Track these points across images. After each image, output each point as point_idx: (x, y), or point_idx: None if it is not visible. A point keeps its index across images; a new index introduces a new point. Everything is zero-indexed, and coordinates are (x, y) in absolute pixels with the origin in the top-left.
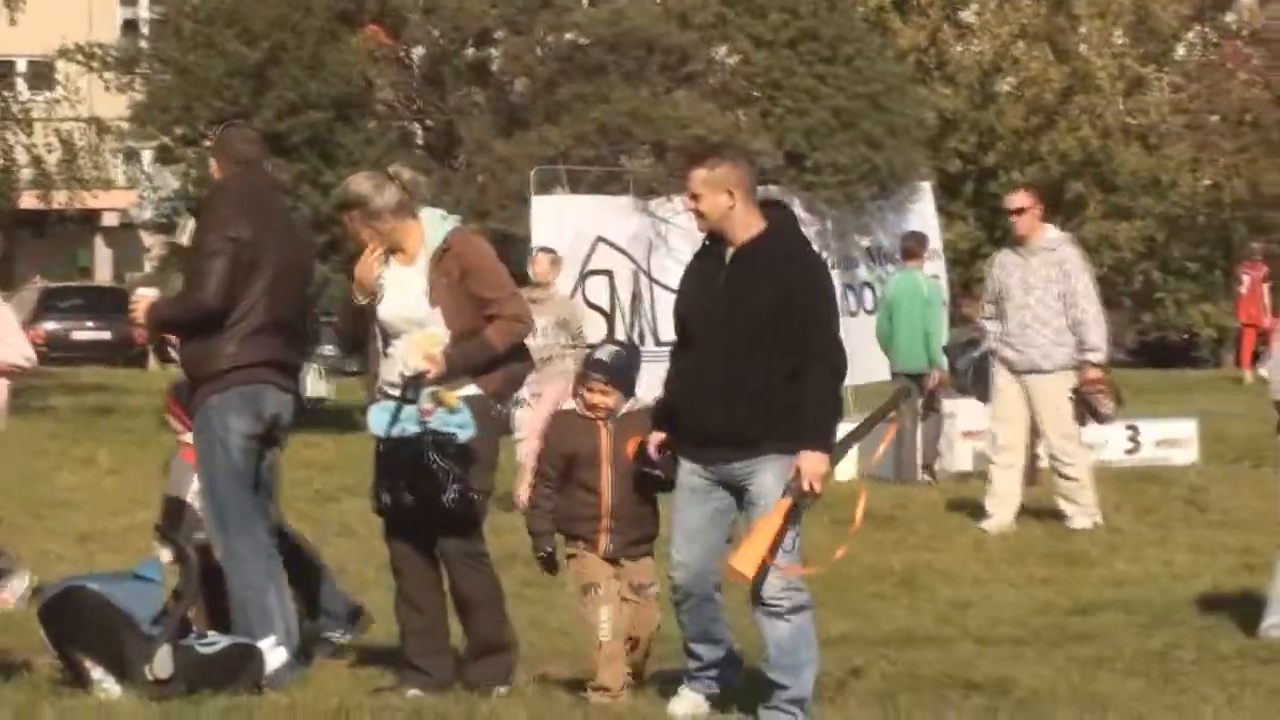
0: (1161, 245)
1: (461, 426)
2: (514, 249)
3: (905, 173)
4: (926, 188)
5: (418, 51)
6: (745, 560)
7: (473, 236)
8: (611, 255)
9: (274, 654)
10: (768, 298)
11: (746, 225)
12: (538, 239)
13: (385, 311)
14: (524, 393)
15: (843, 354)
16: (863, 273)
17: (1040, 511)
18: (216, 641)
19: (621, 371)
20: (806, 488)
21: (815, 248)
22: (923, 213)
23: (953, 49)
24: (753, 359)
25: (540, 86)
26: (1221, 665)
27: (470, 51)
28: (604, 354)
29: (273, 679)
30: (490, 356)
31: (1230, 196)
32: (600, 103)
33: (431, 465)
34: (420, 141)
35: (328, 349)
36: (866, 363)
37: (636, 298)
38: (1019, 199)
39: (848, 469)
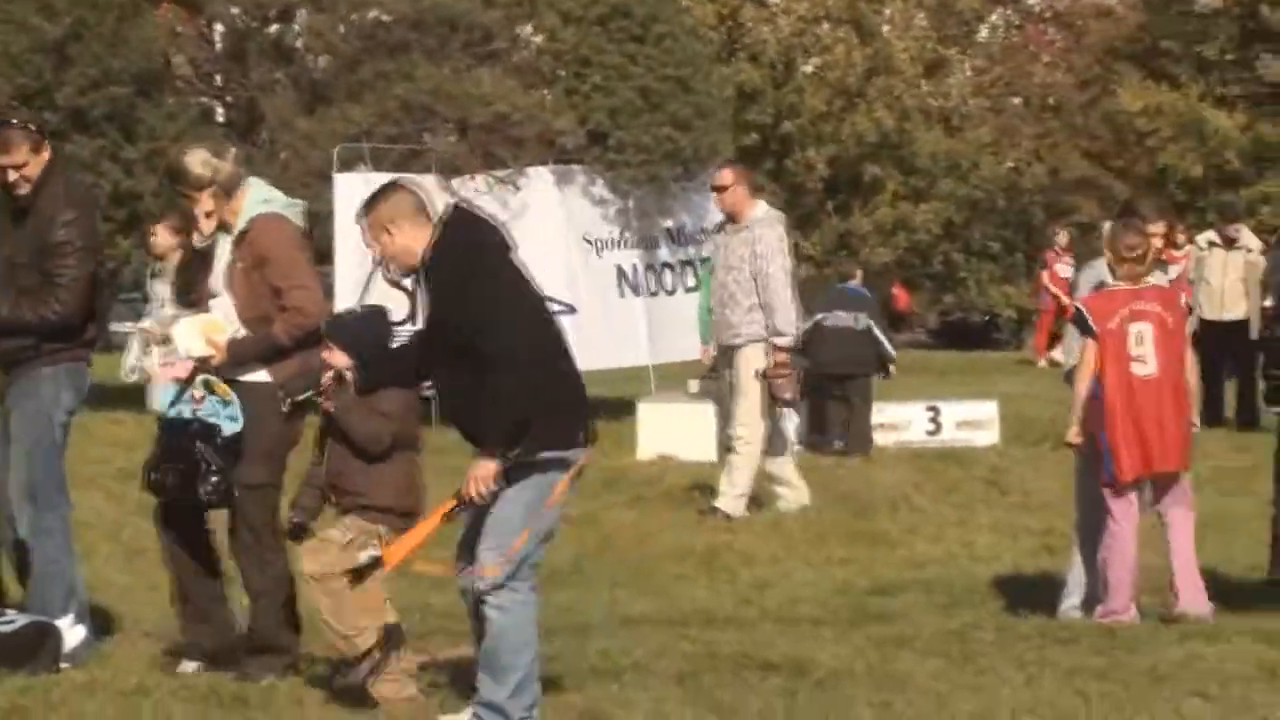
0: (961, 227)
1: (231, 418)
2: (317, 226)
3: (710, 154)
4: None
5: (219, 28)
6: (392, 553)
7: (275, 222)
8: None
9: (72, 632)
10: (437, 312)
11: (413, 249)
12: (341, 216)
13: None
14: None
15: (518, 359)
16: (664, 253)
17: (842, 493)
18: (14, 620)
19: (342, 331)
20: (468, 492)
21: (486, 248)
22: None
23: (755, 29)
24: (449, 369)
25: (343, 64)
26: (1020, 645)
27: (273, 28)
28: (338, 313)
29: (71, 656)
30: (272, 348)
31: (1031, 180)
32: (403, 80)
33: (195, 454)
34: (222, 119)
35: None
36: (675, 342)
37: None
38: (722, 176)
39: (649, 448)
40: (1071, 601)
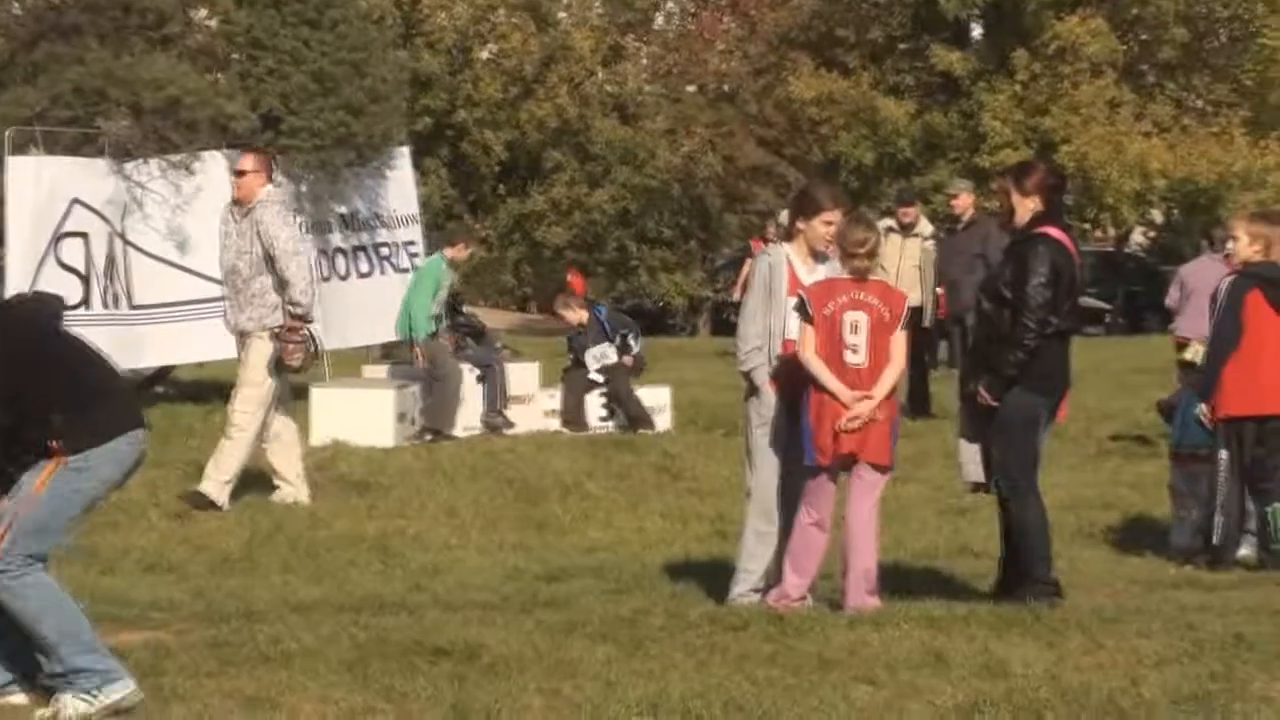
0: (636, 215)
1: None
2: None
3: (383, 140)
4: (404, 153)
5: None
6: None
7: None
8: (87, 217)
9: None
10: None
11: None
12: (13, 200)
13: None
14: None
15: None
16: (337, 239)
17: (514, 479)
18: None
19: None
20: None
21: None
22: (400, 179)
23: (433, 15)
24: None
25: (17, 46)
26: (690, 632)
27: None
28: None
29: None
30: None
31: (706, 168)
32: (76, 64)
33: None
34: None
35: None
36: (349, 328)
37: (111, 261)
38: (244, 161)
39: (322, 434)
40: (740, 589)
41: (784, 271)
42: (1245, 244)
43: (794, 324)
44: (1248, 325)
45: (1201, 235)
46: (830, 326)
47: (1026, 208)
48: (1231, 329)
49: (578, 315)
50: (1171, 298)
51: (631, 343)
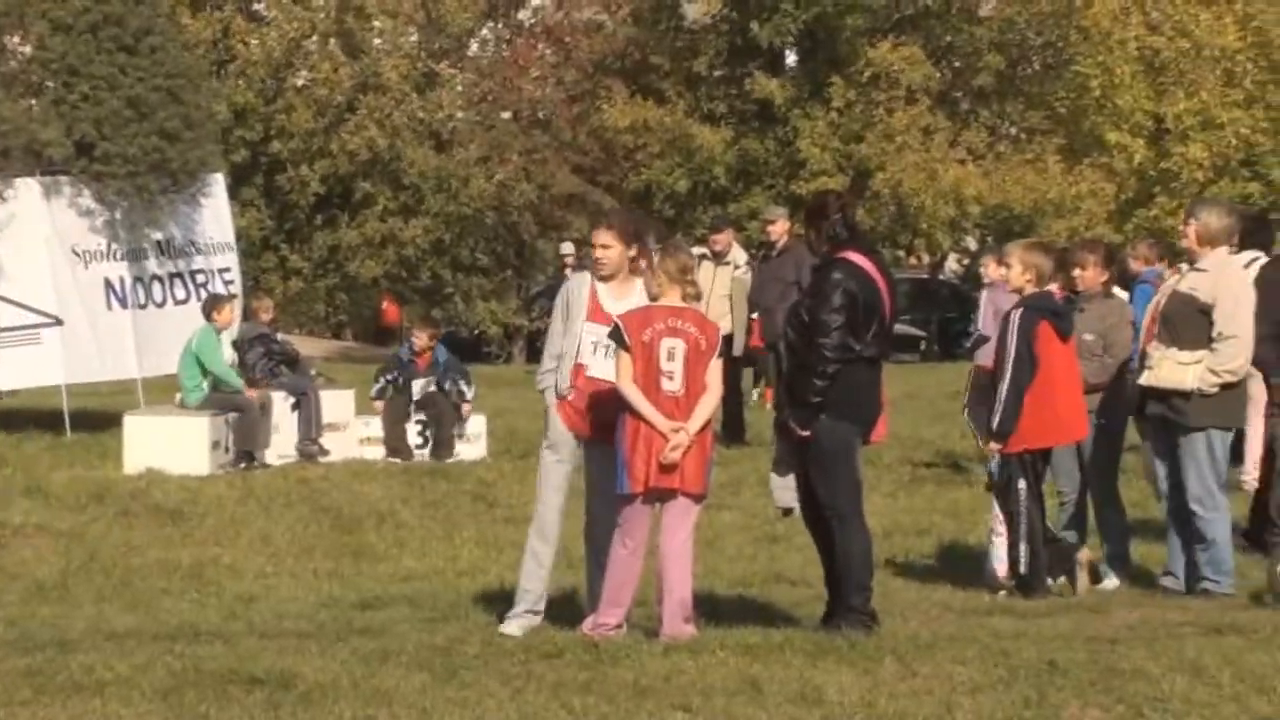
0: (451, 244)
1: None
2: None
3: (198, 166)
4: (219, 179)
5: None
6: None
7: None
8: None
9: None
10: None
11: None
12: None
13: None
14: None
15: None
16: (153, 265)
17: (327, 506)
18: None
19: None
20: None
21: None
22: (216, 206)
23: (245, 43)
24: None
25: None
26: (506, 660)
27: None
28: None
29: None
30: None
31: (520, 196)
32: None
33: None
34: None
35: None
36: (164, 356)
37: None
38: None
39: (136, 462)
40: (516, 609)
41: (583, 298)
42: (1018, 273)
43: (586, 350)
44: (1044, 357)
45: (999, 263)
46: (648, 354)
47: (812, 237)
48: (1029, 361)
49: (423, 344)
50: (987, 323)
51: (465, 389)
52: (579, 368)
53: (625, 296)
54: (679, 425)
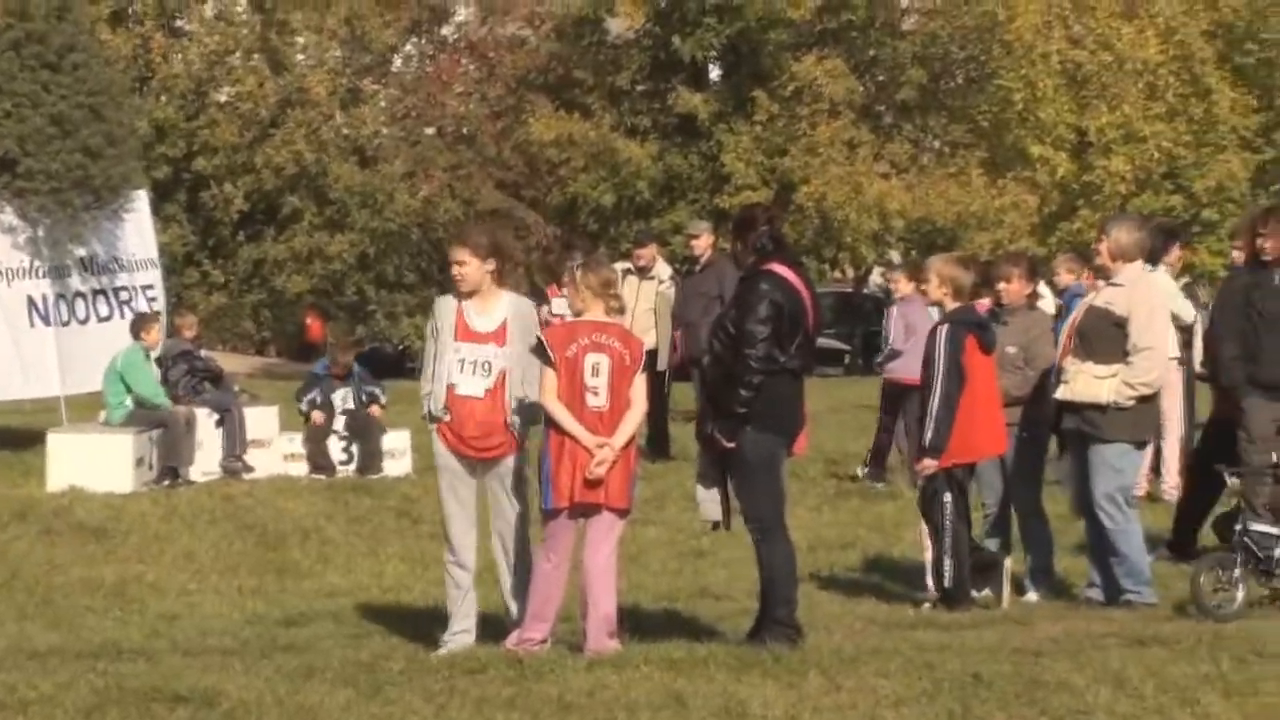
0: (376, 260)
1: None
2: None
3: (121, 182)
4: (142, 195)
5: None
6: None
7: None
8: None
9: None
10: None
11: None
12: None
13: None
14: None
15: None
16: (76, 282)
17: (251, 523)
18: None
19: None
20: None
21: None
22: (139, 222)
23: (167, 60)
24: None
25: None
26: (430, 676)
27: None
28: None
29: None
30: None
31: (445, 212)
32: None
33: None
34: None
35: None
36: (88, 373)
37: None
38: None
39: (59, 480)
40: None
41: (449, 318)
42: (934, 285)
43: (454, 369)
44: (969, 371)
45: (910, 278)
46: (572, 369)
47: (740, 249)
48: (958, 376)
49: (344, 359)
50: (899, 338)
51: (378, 393)
52: (450, 388)
53: (489, 311)
54: (604, 440)
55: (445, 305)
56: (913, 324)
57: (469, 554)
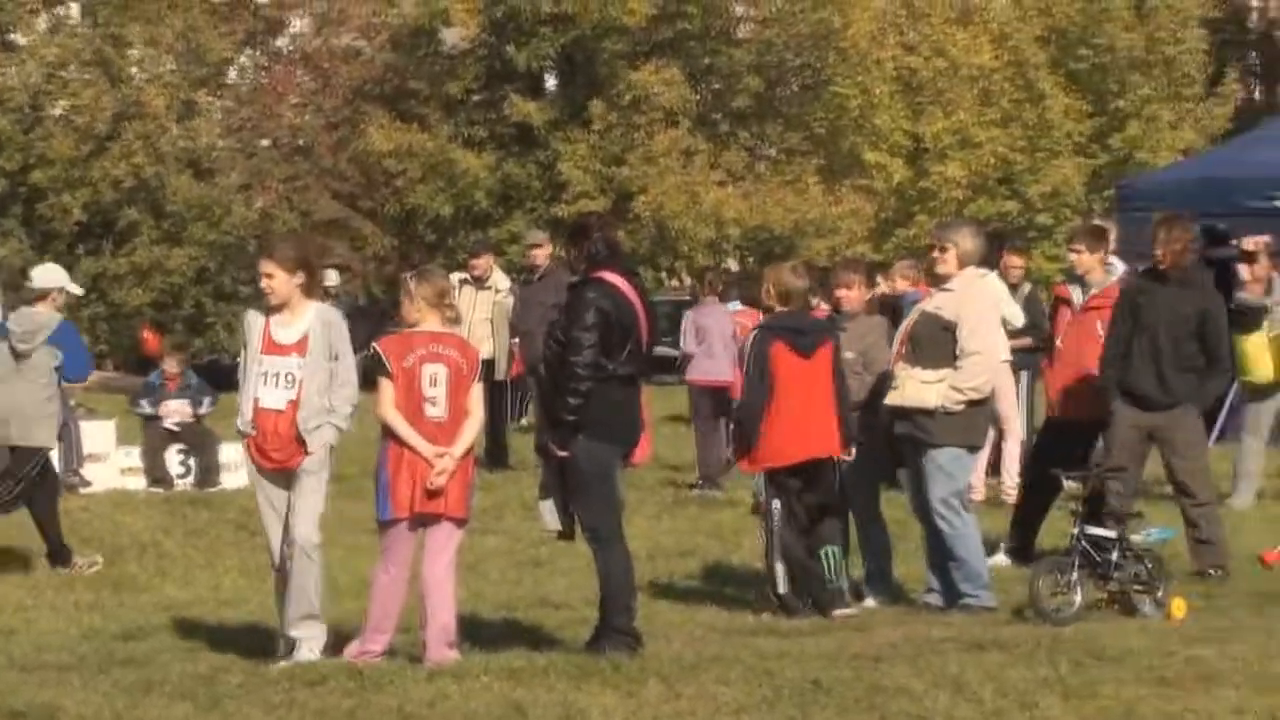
0: (214, 272)
1: None
2: None
3: None
4: None
5: None
6: None
7: None
8: None
9: None
10: None
11: None
12: None
13: None
14: None
15: None
16: None
17: (88, 537)
18: None
19: None
20: None
21: None
22: None
23: (2, 73)
24: None
25: None
26: (269, 688)
27: None
28: None
29: None
30: None
31: (282, 224)
32: None
33: None
34: None
35: None
36: None
37: None
38: None
39: None
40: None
41: (256, 332)
42: (765, 292)
43: (258, 382)
44: (776, 376)
45: (705, 283)
46: (409, 380)
47: (572, 256)
48: (761, 383)
49: (174, 370)
50: (691, 342)
51: (204, 402)
52: (255, 401)
53: (294, 323)
54: (443, 450)
55: (253, 320)
56: (704, 327)
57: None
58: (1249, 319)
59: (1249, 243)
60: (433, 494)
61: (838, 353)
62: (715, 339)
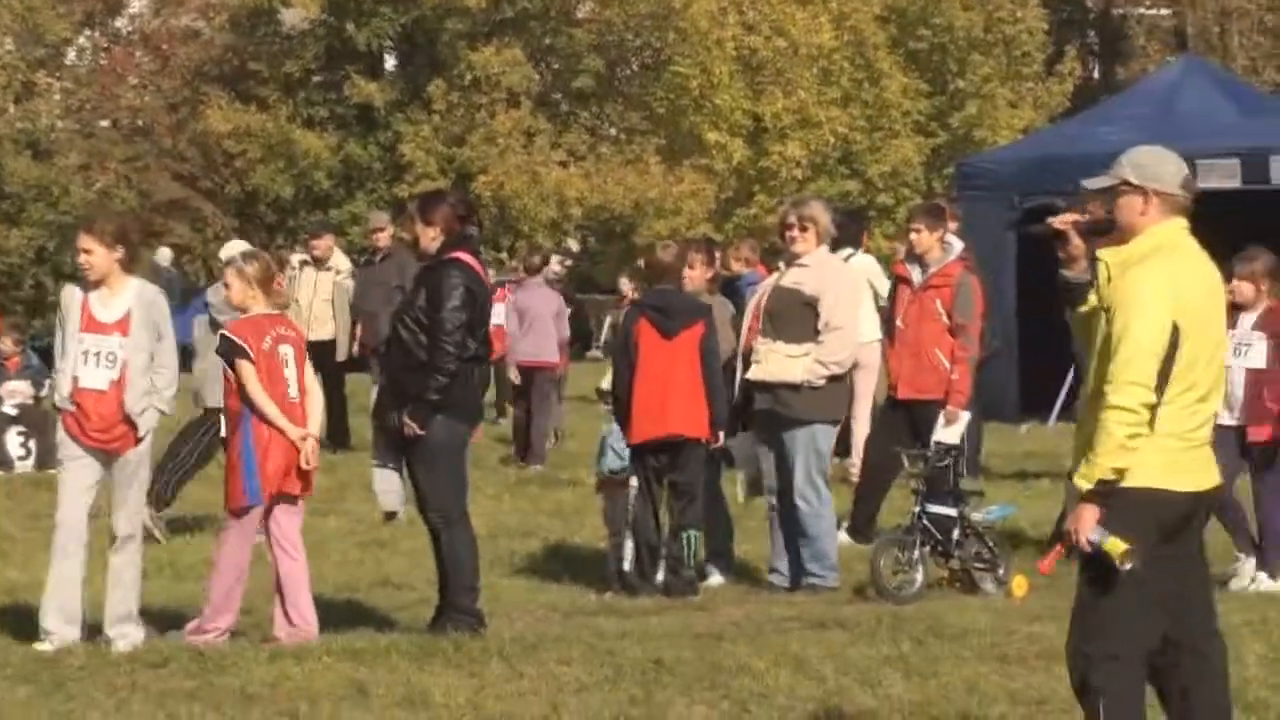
0: (53, 253)
1: None
2: None
3: None
4: None
5: None
6: None
7: None
8: None
9: None
10: None
11: None
12: None
13: None
14: None
15: None
16: None
17: None
18: None
19: None
20: None
21: None
22: None
23: None
24: None
25: None
26: (111, 670)
27: None
28: None
29: None
30: None
31: (122, 203)
32: None
33: None
34: None
35: None
36: None
37: None
38: None
39: None
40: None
41: (74, 309)
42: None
43: (78, 360)
44: (640, 353)
45: (524, 264)
46: (270, 362)
47: (429, 237)
48: (625, 359)
49: (10, 349)
50: (512, 324)
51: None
52: (74, 380)
53: (114, 301)
54: (305, 432)
55: (71, 295)
56: (524, 309)
57: (83, 540)
58: (1075, 294)
59: (1058, 222)
60: (295, 474)
61: (709, 335)
62: (537, 319)
